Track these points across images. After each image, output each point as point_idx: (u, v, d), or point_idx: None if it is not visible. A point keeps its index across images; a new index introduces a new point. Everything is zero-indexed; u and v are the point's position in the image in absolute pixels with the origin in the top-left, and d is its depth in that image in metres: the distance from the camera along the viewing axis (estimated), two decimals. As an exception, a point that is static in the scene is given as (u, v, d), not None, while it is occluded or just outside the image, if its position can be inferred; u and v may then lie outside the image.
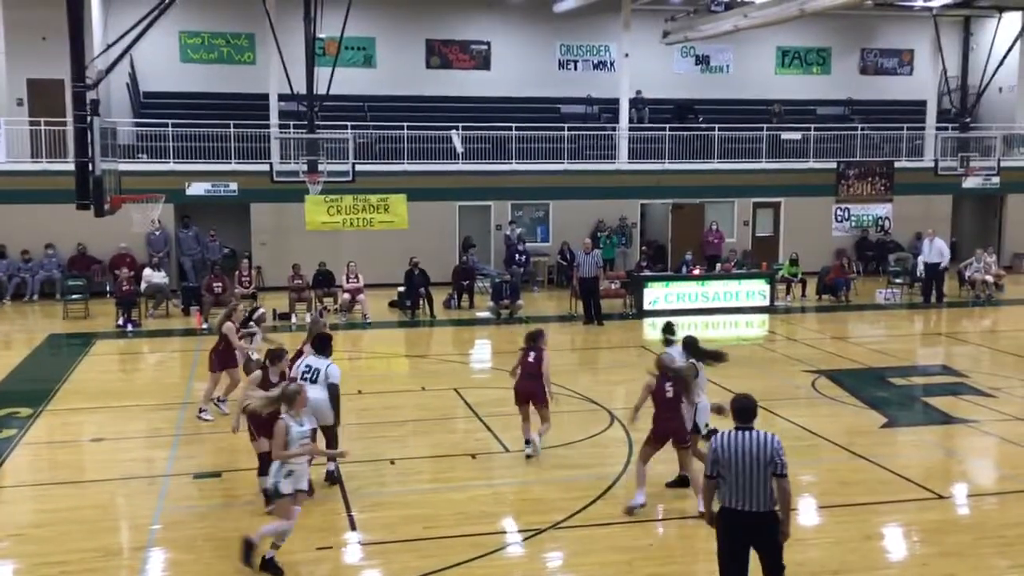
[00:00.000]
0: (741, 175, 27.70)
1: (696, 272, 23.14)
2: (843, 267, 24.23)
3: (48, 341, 18.58)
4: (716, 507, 7.03)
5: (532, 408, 11.21)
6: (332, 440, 10.10)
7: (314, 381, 9.82)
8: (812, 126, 28.40)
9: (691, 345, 10.35)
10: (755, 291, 22.37)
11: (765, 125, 28.23)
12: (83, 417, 13.33)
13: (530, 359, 11.22)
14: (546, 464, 11.17)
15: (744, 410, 6.89)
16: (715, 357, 10.29)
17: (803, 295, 24.10)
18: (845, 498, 10.11)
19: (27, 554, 8.66)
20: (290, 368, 10.23)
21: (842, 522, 9.47)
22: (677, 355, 10.17)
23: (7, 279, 22.87)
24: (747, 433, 6.78)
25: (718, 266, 24.54)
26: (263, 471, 9.33)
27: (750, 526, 6.78)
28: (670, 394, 9.49)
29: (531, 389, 11.15)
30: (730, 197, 27.87)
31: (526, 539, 9.05)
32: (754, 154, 27.89)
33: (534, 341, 11.32)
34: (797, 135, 28.28)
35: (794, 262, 24.31)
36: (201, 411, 12.89)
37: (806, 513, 9.75)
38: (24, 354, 17.35)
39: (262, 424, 9.17)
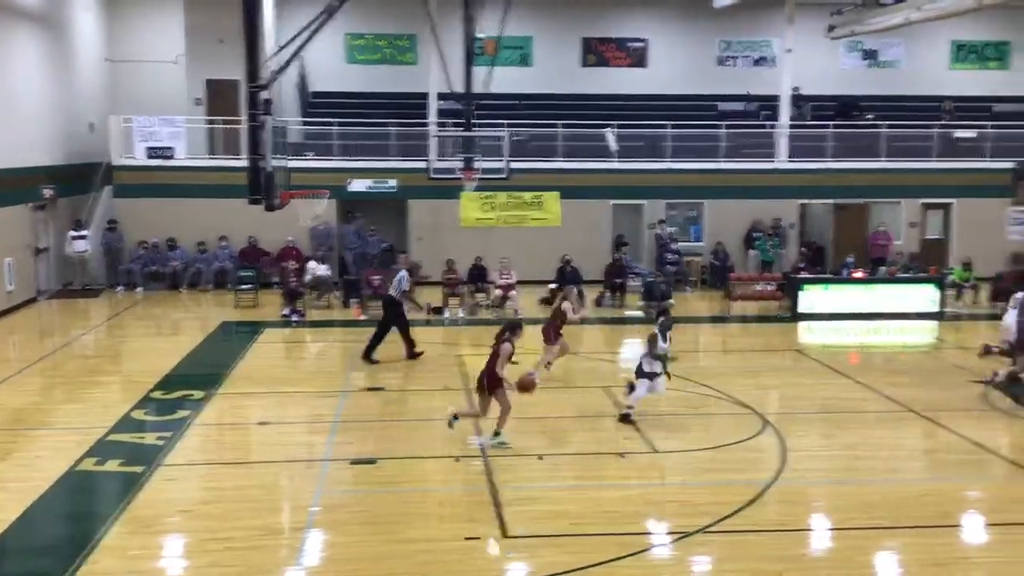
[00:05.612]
0: (909, 175, 26.42)
1: (858, 275, 22.23)
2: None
3: (220, 328, 19.62)
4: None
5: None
6: None
7: None
8: (988, 124, 26.86)
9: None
10: (923, 297, 21.30)
11: (937, 123, 26.88)
12: (251, 401, 14.02)
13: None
14: (696, 467, 11.02)
15: None
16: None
17: (974, 301, 22.77)
18: (1018, 516, 9.51)
19: (196, 529, 9.19)
20: None
21: (1012, 541, 8.95)
22: None
23: (183, 269, 24.30)
24: None
25: (882, 269, 23.49)
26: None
27: None
28: None
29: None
30: (897, 198, 26.67)
31: (673, 541, 8.95)
32: (924, 153, 26.57)
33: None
34: (972, 133, 26.76)
35: (967, 266, 23.00)
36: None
37: (973, 531, 9.25)
38: (198, 340, 18.37)
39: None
